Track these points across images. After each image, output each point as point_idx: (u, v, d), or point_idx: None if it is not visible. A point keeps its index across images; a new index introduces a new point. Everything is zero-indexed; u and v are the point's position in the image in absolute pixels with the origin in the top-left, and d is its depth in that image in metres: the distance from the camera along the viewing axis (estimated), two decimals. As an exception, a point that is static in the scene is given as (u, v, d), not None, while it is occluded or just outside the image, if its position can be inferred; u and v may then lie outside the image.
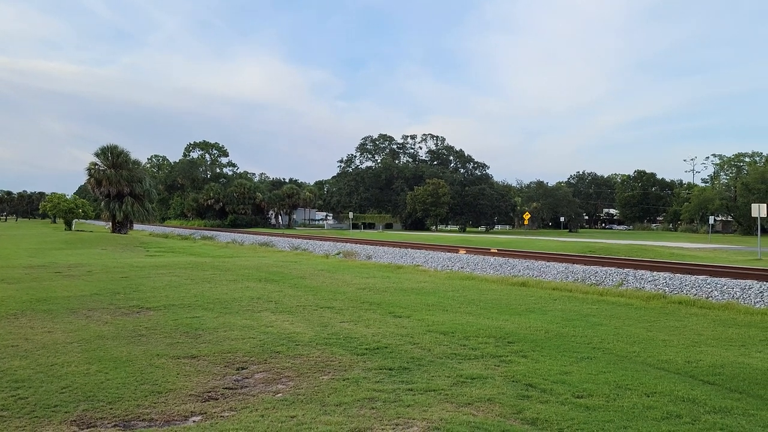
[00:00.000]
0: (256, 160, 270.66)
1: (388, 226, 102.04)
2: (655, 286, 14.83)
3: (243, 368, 6.63)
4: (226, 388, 5.87)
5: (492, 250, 26.68)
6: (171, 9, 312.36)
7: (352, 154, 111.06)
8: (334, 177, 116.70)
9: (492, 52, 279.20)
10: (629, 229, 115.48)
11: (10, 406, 5.20)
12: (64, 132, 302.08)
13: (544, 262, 19.82)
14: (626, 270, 16.93)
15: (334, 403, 5.36)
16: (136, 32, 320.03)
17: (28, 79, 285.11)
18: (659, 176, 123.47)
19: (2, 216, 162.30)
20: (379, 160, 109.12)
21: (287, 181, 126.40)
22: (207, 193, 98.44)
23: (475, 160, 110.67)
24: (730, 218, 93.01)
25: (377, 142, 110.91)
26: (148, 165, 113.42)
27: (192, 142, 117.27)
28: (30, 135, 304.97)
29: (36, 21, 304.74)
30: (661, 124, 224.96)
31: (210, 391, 5.73)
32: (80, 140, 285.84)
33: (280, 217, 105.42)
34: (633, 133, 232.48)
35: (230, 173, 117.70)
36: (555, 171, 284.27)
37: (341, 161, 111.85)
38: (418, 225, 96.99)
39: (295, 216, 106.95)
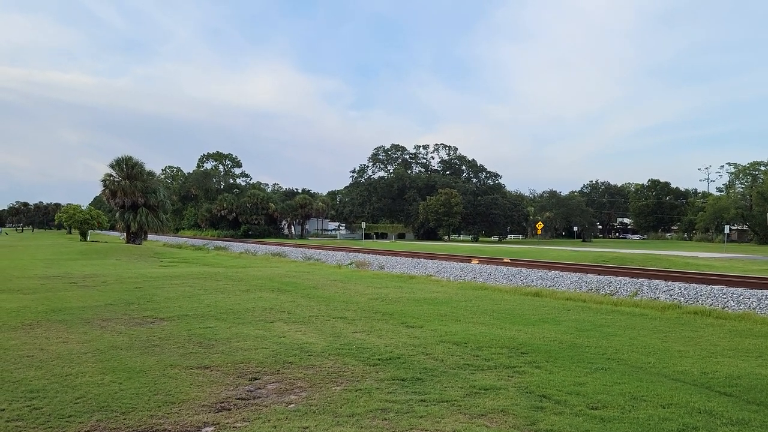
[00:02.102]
0: (268, 169, 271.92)
1: (401, 236, 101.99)
2: (670, 296, 14.69)
3: (256, 378, 6.63)
4: (238, 398, 5.88)
5: (505, 260, 26.58)
6: (183, 19, 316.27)
7: (365, 165, 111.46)
8: (346, 187, 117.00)
9: (502, 59, 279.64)
10: (643, 239, 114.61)
11: (25, 416, 5.24)
12: (79, 142, 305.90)
13: (557, 272, 19.72)
14: (641, 280, 16.80)
15: (347, 414, 5.35)
16: (149, 42, 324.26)
17: (43, 90, 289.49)
18: (673, 185, 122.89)
19: (19, 227, 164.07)
20: (391, 170, 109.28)
21: (300, 191, 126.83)
22: (220, 203, 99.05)
23: (488, 169, 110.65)
24: (745, 227, 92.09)
25: (389, 153, 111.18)
26: (162, 176, 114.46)
27: (205, 153, 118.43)
28: (46, 145, 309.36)
29: (51, 32, 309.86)
30: (674, 131, 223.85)
31: (223, 402, 5.74)
32: (95, 150, 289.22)
33: (293, 227, 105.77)
34: (646, 140, 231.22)
35: (243, 184, 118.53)
36: (567, 179, 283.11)
37: (354, 171, 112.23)
38: (431, 235, 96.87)
39: (307, 226, 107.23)
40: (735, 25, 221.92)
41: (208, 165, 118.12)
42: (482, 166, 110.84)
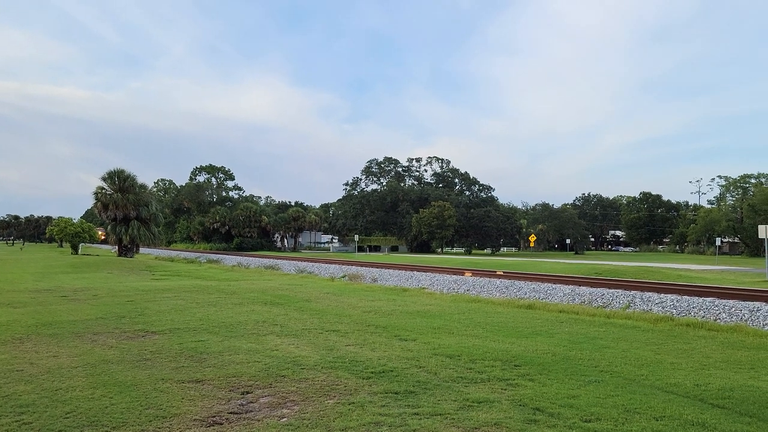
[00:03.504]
0: (261, 183, 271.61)
1: (394, 249, 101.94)
2: (663, 308, 14.73)
3: (248, 392, 6.60)
4: (230, 412, 5.84)
5: (498, 273, 26.60)
6: (178, 34, 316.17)
7: (358, 177, 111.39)
8: (339, 200, 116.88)
9: (495, 74, 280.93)
10: (635, 251, 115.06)
11: (15, 431, 5.18)
12: (72, 156, 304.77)
13: (550, 285, 19.74)
14: (633, 292, 16.84)
15: (340, 428, 5.32)
16: (143, 57, 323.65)
17: (37, 103, 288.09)
18: (665, 198, 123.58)
19: (9, 240, 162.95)
20: (384, 183, 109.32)
21: (293, 204, 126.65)
22: (213, 216, 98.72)
23: (481, 182, 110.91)
24: (737, 240, 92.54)
25: (383, 165, 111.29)
26: (155, 189, 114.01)
27: (198, 166, 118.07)
28: (38, 159, 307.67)
29: (46, 47, 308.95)
30: (666, 145, 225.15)
31: (215, 416, 5.70)
32: (88, 164, 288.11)
33: (285, 240, 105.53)
34: (638, 154, 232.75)
35: (236, 196, 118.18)
36: (560, 193, 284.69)
37: (347, 184, 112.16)
38: (424, 247, 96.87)
39: (300, 239, 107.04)
40: (726, 41, 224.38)
41: (201, 178, 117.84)
42: (475, 178, 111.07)
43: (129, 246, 51.01)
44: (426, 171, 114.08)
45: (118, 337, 10.16)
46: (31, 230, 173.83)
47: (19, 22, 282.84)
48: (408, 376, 7.36)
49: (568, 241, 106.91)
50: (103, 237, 72.65)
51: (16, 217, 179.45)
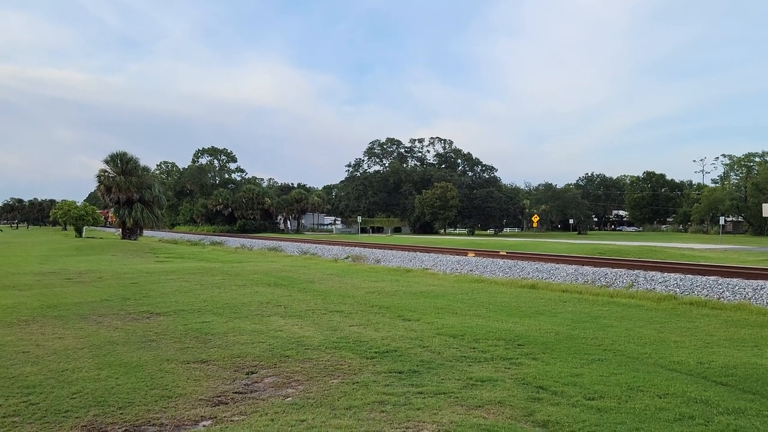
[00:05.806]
0: (264, 165, 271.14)
1: (397, 230, 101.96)
2: (666, 287, 14.73)
3: (253, 372, 6.63)
4: (235, 392, 5.87)
5: (501, 253, 26.61)
6: (178, 17, 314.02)
7: (360, 159, 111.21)
8: (342, 181, 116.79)
9: (497, 55, 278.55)
10: (639, 231, 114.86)
11: (22, 411, 5.22)
12: (74, 140, 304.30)
13: (553, 264, 19.74)
14: (636, 271, 16.84)
15: (344, 407, 5.35)
16: (143, 40, 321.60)
17: (37, 87, 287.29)
18: (668, 177, 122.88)
19: (13, 223, 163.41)
20: (387, 164, 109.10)
21: (295, 186, 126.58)
22: (216, 198, 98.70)
23: (483, 163, 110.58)
24: (740, 219, 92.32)
25: (385, 146, 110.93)
26: (158, 171, 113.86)
27: (201, 148, 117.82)
28: (40, 143, 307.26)
29: (45, 30, 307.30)
30: (669, 125, 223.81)
31: (220, 396, 5.73)
32: (90, 148, 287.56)
33: (288, 222, 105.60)
34: (641, 134, 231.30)
35: (239, 179, 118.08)
36: (563, 173, 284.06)
37: (349, 165, 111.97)
38: (427, 228, 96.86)
39: (303, 221, 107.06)
40: (728, 21, 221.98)
41: (203, 160, 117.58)
42: (477, 159, 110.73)
43: (133, 228, 51.06)
44: (428, 152, 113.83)
45: (123, 319, 10.21)
46: (35, 213, 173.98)
47: (18, 4, 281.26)
48: (412, 356, 7.39)
49: (571, 221, 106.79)
50: (112, 219, 72.70)
51: (20, 201, 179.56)
